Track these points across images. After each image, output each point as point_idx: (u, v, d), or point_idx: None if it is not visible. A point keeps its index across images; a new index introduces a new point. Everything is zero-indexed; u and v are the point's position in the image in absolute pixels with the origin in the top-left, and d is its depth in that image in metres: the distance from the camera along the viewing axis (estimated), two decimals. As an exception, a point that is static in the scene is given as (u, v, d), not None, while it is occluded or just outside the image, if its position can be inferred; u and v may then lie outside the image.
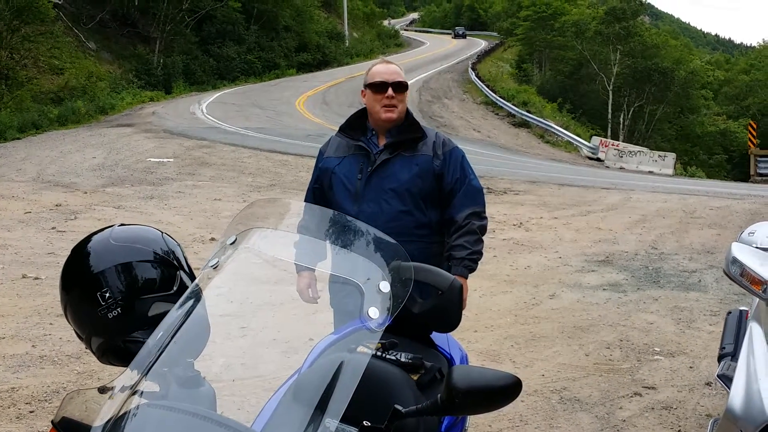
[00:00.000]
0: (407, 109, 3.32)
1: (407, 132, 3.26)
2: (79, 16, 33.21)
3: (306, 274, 3.26)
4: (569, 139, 30.53)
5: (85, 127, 21.74)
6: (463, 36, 79.62)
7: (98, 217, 9.79)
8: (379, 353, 2.17)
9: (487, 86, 39.07)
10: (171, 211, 10.55)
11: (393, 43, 72.13)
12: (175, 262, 2.07)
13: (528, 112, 34.22)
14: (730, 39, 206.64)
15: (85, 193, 11.68)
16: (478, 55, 57.09)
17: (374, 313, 1.69)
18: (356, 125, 3.33)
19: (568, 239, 9.90)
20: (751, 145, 29.26)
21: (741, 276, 2.71)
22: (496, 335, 5.69)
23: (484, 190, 12.33)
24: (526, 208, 12.48)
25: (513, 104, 35.26)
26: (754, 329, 2.82)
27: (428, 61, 53.64)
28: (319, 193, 3.36)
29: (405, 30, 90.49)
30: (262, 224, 1.86)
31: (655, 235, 10.22)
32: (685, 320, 6.21)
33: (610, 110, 45.17)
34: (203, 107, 27.82)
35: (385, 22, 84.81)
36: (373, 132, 3.28)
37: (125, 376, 1.58)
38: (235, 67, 39.71)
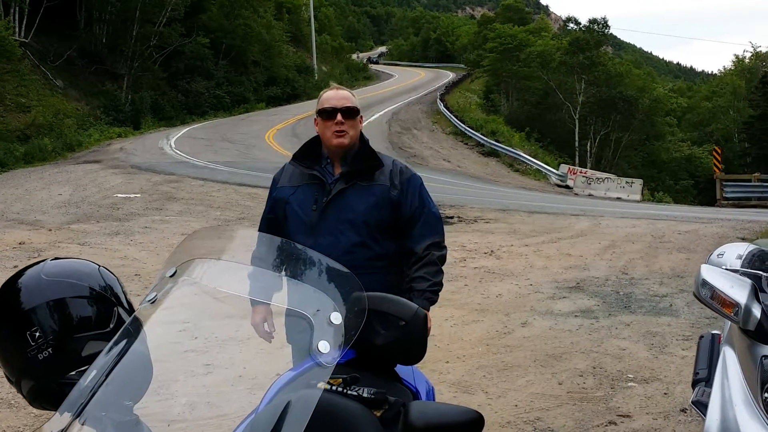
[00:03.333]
0: (363, 136, 3.22)
1: (363, 160, 3.15)
2: (46, 54, 32.92)
3: (261, 308, 3.11)
4: (538, 167, 30.76)
5: (51, 165, 21.44)
6: (376, 62, 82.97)
7: (62, 254, 9.56)
8: (339, 389, 2.08)
9: (456, 117, 39.33)
10: (137, 246, 10.36)
11: (362, 76, 72.71)
12: (112, 297, 1.94)
13: (497, 141, 34.47)
14: (691, 67, 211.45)
15: (50, 230, 11.44)
16: (446, 87, 57.59)
17: (324, 347, 1.60)
18: (310, 153, 3.21)
19: (539, 266, 9.88)
20: (717, 170, 29.72)
21: (711, 299, 2.66)
22: (468, 365, 5.60)
23: (455, 219, 12.26)
24: (497, 236, 12.47)
25: (482, 134, 35.50)
26: (727, 354, 2.77)
27: (397, 93, 54.04)
28: (273, 223, 3.22)
29: (374, 63, 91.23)
30: (205, 254, 1.75)
31: (625, 260, 10.24)
32: (657, 345, 6.17)
33: (577, 138, 45.76)
34: (172, 142, 27.63)
35: (354, 56, 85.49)
36: (328, 160, 3.16)
37: (55, 421, 1.47)
38: (204, 102, 39.62)
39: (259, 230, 3.26)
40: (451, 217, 14.35)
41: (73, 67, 34.33)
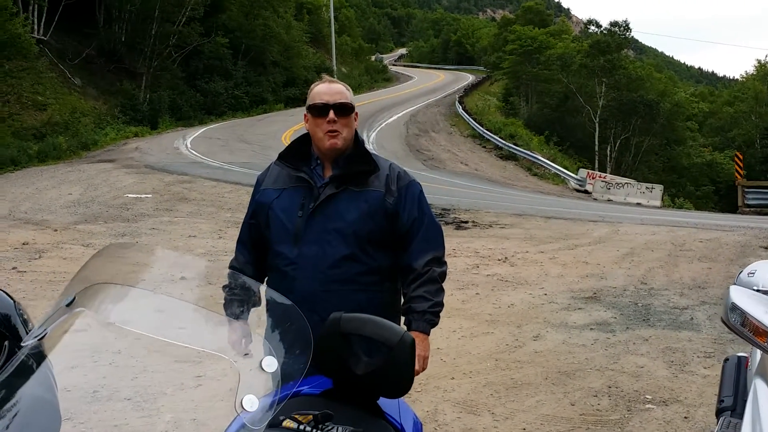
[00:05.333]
0: (358, 136, 2.90)
1: (357, 163, 2.81)
2: (64, 52, 33.01)
3: (238, 325, 2.85)
4: (556, 172, 30.37)
5: (65, 164, 21.36)
6: (381, 61, 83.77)
7: (64, 256, 9.38)
8: (308, 428, 1.79)
9: (474, 119, 39.04)
10: (142, 249, 10.15)
11: (381, 77, 72.54)
12: (1, 328, 1.62)
13: (515, 144, 34.12)
14: (713, 72, 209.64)
15: (56, 230, 11.26)
16: (465, 89, 57.36)
17: (251, 403, 1.31)
18: (299, 153, 2.87)
19: (554, 274, 9.55)
20: (738, 177, 29.16)
21: (742, 325, 2.33)
22: (475, 382, 5.28)
23: (470, 224, 11.93)
24: (512, 242, 12.15)
25: (500, 137, 35.17)
26: (759, 387, 2.44)
27: (416, 95, 53.80)
28: (255, 229, 2.90)
29: (393, 65, 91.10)
30: (110, 279, 1.46)
31: (644, 269, 9.88)
32: (677, 363, 5.83)
33: (596, 142, 45.23)
34: (187, 142, 27.53)
35: (373, 58, 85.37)
36: (318, 161, 2.83)
37: None
38: (223, 102, 39.53)
39: (240, 239, 2.98)
40: (466, 222, 14.04)
41: (91, 65, 34.39)
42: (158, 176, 18.17)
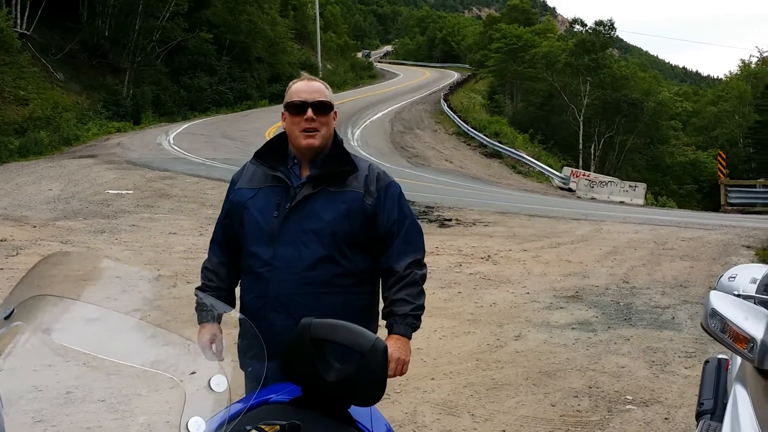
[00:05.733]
0: (336, 136, 2.83)
1: (335, 163, 2.74)
2: (47, 47, 32.65)
3: (209, 327, 2.70)
4: (541, 170, 30.43)
5: (46, 159, 21.17)
6: (368, 56, 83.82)
7: (42, 252, 9.22)
8: None
9: (459, 117, 39.05)
10: (120, 246, 10.02)
11: (367, 74, 72.40)
12: None
13: (500, 142, 34.17)
14: (697, 71, 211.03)
15: (34, 227, 11.11)
16: (451, 87, 57.38)
17: (196, 426, 1.23)
18: (275, 152, 2.80)
19: (537, 273, 9.53)
20: (721, 176, 29.32)
21: (722, 332, 2.28)
22: (455, 383, 5.23)
23: (453, 222, 11.87)
24: (495, 240, 12.13)
25: (485, 135, 35.21)
26: (738, 393, 2.40)
27: (401, 92, 53.73)
28: (228, 229, 2.81)
29: (379, 62, 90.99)
30: (51, 290, 1.38)
31: (626, 267, 9.89)
32: (658, 363, 5.80)
33: (581, 141, 45.39)
34: (170, 138, 27.33)
35: (360, 54, 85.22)
36: (295, 161, 2.76)
37: None
38: (206, 98, 39.29)
39: (213, 239, 2.89)
40: (449, 220, 14.01)
41: (74, 60, 34.05)
42: (140, 172, 18.02)
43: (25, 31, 30.69)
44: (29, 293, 1.33)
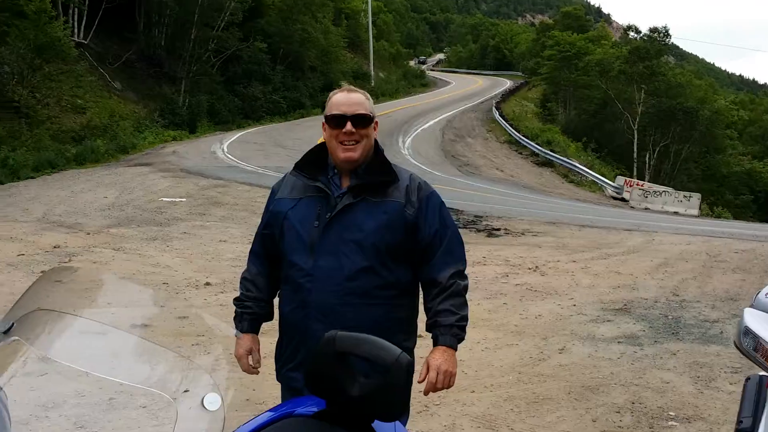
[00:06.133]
0: (378, 146, 2.82)
1: (376, 173, 2.72)
2: (104, 56, 33.57)
3: (247, 338, 2.79)
4: (593, 179, 30.06)
5: (103, 167, 21.68)
6: (423, 62, 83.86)
7: (94, 259, 9.49)
8: None
9: (511, 125, 38.84)
10: (172, 253, 10.23)
11: (419, 82, 72.52)
12: None
13: (552, 151, 33.87)
14: (753, 79, 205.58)
15: (88, 233, 11.41)
16: (503, 95, 57.11)
17: None
18: (315, 162, 2.80)
19: (585, 285, 9.39)
20: (780, 186, 28.52)
21: (755, 350, 2.23)
22: (496, 396, 5.20)
23: (501, 231, 11.76)
24: (544, 250, 12.00)
25: (537, 143, 34.95)
26: (772, 413, 2.33)
27: (453, 100, 53.66)
28: (269, 240, 2.81)
29: (431, 70, 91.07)
30: (53, 305, 1.39)
31: (677, 280, 9.68)
32: (704, 378, 5.68)
33: (635, 150, 44.65)
34: (224, 146, 27.78)
35: (412, 63, 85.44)
36: (335, 171, 2.74)
37: None
38: (260, 106, 39.85)
39: (252, 249, 2.92)
40: (498, 229, 13.92)
41: (131, 69, 34.91)
42: (193, 180, 18.35)
43: (83, 41, 31.59)
44: (30, 307, 1.36)
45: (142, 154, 25.61)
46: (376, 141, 2.81)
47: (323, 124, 2.76)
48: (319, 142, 2.88)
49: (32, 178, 18.68)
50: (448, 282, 2.67)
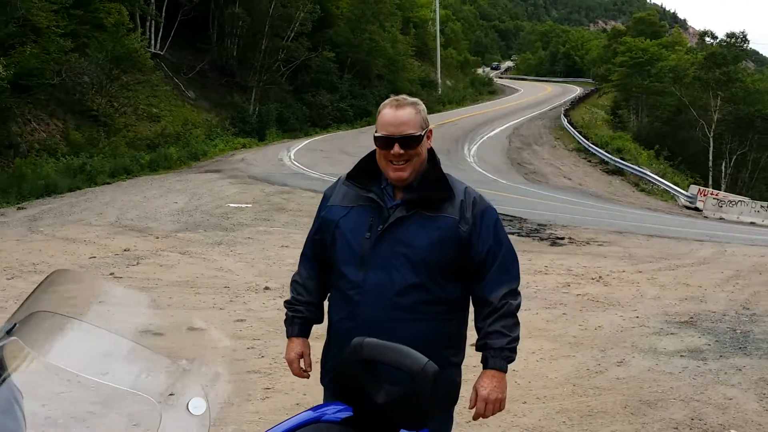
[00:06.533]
0: (434, 157, 2.73)
1: (432, 188, 2.65)
2: (179, 66, 34.62)
3: (298, 342, 2.77)
4: (666, 188, 29.31)
5: (175, 173, 22.27)
6: (497, 68, 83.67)
7: (161, 263, 9.75)
8: None
9: (580, 133, 38.21)
10: (235, 257, 10.42)
11: (486, 90, 72.16)
12: None
13: (622, 159, 33.16)
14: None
15: (157, 238, 11.72)
16: (572, 102, 56.32)
17: None
18: (367, 171, 2.72)
19: (650, 296, 9.15)
20: None
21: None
22: (548, 408, 5.10)
23: (565, 240, 11.58)
24: (609, 260, 11.74)
25: (606, 151, 34.29)
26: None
27: (521, 107, 53.18)
28: (320, 245, 2.75)
29: (499, 77, 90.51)
30: (53, 307, 1.39)
31: (748, 293, 9.33)
32: (771, 396, 5.45)
33: (711, 158, 43.32)
34: (291, 154, 28.18)
35: (480, 70, 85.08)
36: (388, 182, 2.67)
37: None
38: (328, 114, 40.32)
39: (303, 253, 2.88)
40: (562, 238, 13.69)
41: (204, 79, 35.91)
42: (260, 186, 18.66)
43: (159, 52, 32.65)
44: (33, 309, 1.39)
45: (212, 161, 26.19)
46: (432, 151, 2.73)
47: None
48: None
49: (108, 183, 19.33)
50: (500, 302, 2.60)
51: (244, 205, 15.75)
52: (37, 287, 1.44)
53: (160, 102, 29.69)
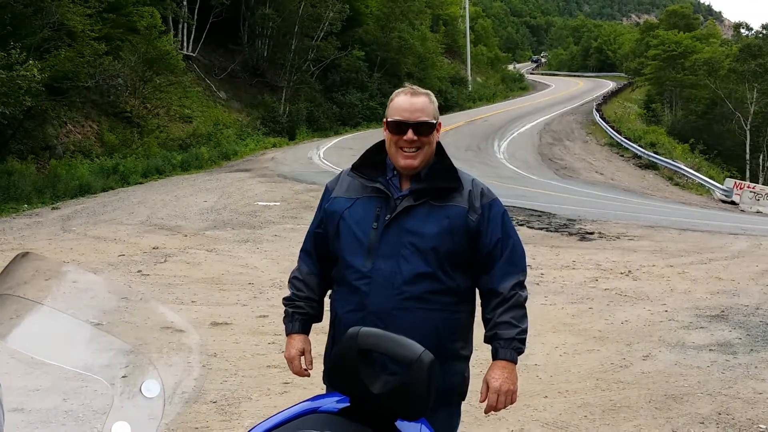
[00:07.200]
0: (441, 149, 2.70)
1: (441, 178, 2.63)
2: (211, 68, 35.01)
3: (299, 339, 2.72)
4: (701, 182, 28.80)
5: (205, 172, 22.47)
6: (537, 62, 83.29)
7: (188, 260, 9.82)
8: None
9: (612, 127, 37.74)
10: (261, 254, 10.47)
11: (517, 86, 71.71)
12: None
13: (656, 153, 32.67)
14: None
15: (186, 236, 11.82)
16: (604, 96, 55.68)
17: (122, 431, 1.20)
18: (373, 162, 2.69)
19: (680, 290, 8.98)
20: None
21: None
22: (570, 402, 5.02)
23: (595, 235, 11.44)
24: (639, 255, 11.56)
25: (639, 145, 33.80)
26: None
27: (552, 103, 52.74)
28: (321, 239, 2.73)
29: (531, 73, 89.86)
30: (17, 290, 1.38)
31: (783, 287, 9.11)
32: (803, 391, 5.30)
33: (748, 151, 42.50)
34: (320, 153, 28.26)
35: (510, 66, 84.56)
36: (395, 172, 2.64)
37: None
38: (357, 113, 40.39)
39: (304, 248, 2.85)
40: (591, 233, 13.51)
41: (235, 80, 36.25)
42: (288, 185, 18.74)
43: (191, 53, 33.02)
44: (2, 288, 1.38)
45: (242, 160, 26.38)
46: (440, 144, 2.71)
47: (384, 121, 2.68)
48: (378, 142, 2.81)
49: (140, 183, 19.57)
50: (510, 293, 2.58)
51: (272, 204, 15.81)
52: (2, 270, 1.43)
53: (192, 103, 30.00)
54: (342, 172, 2.81)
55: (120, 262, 9.55)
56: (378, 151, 2.73)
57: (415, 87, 2.71)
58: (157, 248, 10.62)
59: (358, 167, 2.70)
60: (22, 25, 18.45)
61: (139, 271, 8.97)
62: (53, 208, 15.23)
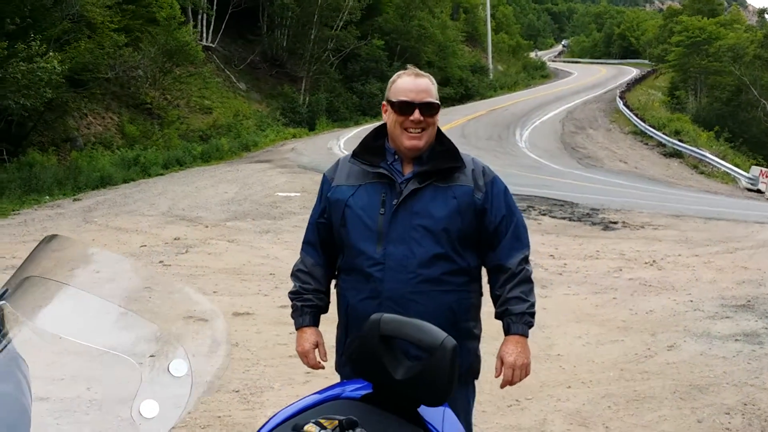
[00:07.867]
0: (441, 133, 2.70)
1: (443, 159, 2.62)
2: (230, 58, 35.06)
3: (311, 332, 2.71)
4: (726, 170, 28.40)
5: (226, 163, 22.52)
6: (566, 46, 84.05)
7: (209, 251, 9.84)
8: None
9: (636, 115, 37.32)
10: (281, 245, 10.46)
11: (539, 74, 71.18)
12: None
13: (680, 141, 32.24)
14: None
15: (206, 227, 11.85)
16: (628, 84, 55.12)
17: (150, 409, 1.19)
18: (372, 148, 2.68)
19: (705, 280, 8.85)
20: None
21: None
22: (593, 393, 4.95)
23: (619, 225, 11.32)
24: (664, 244, 11.41)
25: (664, 133, 33.40)
26: None
27: (574, 91, 52.25)
28: (325, 229, 2.72)
29: (553, 61, 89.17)
30: (43, 273, 1.34)
31: (811, 276, 8.95)
32: (831, 381, 5.19)
33: (774, 138, 41.91)
34: (341, 143, 28.21)
35: (532, 54, 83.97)
36: (396, 156, 2.64)
37: None
38: (377, 103, 40.00)
39: (306, 240, 2.83)
40: (615, 222, 13.36)
41: (255, 70, 36.27)
42: (309, 175, 18.72)
43: (210, 44, 33.08)
44: (26, 274, 1.37)
45: (263, 151, 26.41)
46: (438, 128, 2.71)
47: (384, 105, 2.68)
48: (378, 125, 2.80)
49: (161, 175, 19.64)
50: (518, 268, 2.61)
51: (292, 194, 15.81)
52: (30, 254, 1.42)
53: (212, 94, 30.06)
54: (339, 159, 2.81)
55: (142, 253, 9.58)
56: (377, 136, 2.74)
57: (417, 69, 2.72)
58: (179, 239, 10.65)
59: (359, 153, 2.70)
60: (41, 17, 18.53)
61: (161, 262, 9.00)
62: (75, 200, 15.34)
